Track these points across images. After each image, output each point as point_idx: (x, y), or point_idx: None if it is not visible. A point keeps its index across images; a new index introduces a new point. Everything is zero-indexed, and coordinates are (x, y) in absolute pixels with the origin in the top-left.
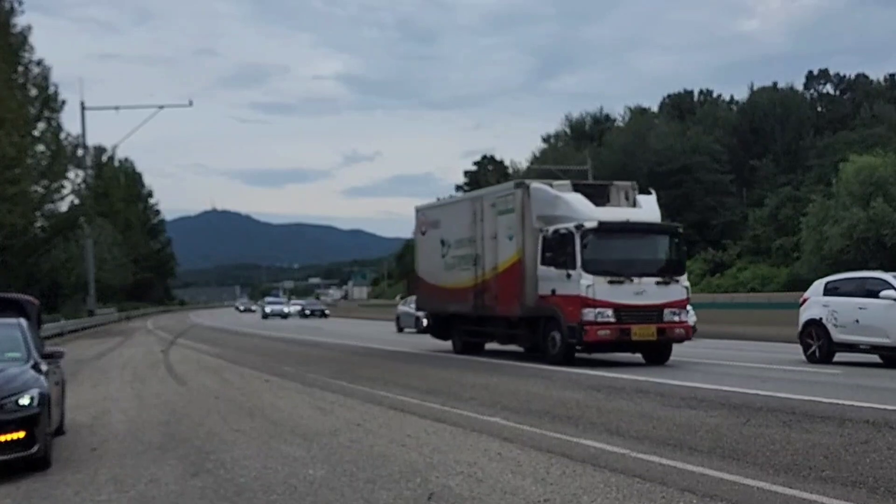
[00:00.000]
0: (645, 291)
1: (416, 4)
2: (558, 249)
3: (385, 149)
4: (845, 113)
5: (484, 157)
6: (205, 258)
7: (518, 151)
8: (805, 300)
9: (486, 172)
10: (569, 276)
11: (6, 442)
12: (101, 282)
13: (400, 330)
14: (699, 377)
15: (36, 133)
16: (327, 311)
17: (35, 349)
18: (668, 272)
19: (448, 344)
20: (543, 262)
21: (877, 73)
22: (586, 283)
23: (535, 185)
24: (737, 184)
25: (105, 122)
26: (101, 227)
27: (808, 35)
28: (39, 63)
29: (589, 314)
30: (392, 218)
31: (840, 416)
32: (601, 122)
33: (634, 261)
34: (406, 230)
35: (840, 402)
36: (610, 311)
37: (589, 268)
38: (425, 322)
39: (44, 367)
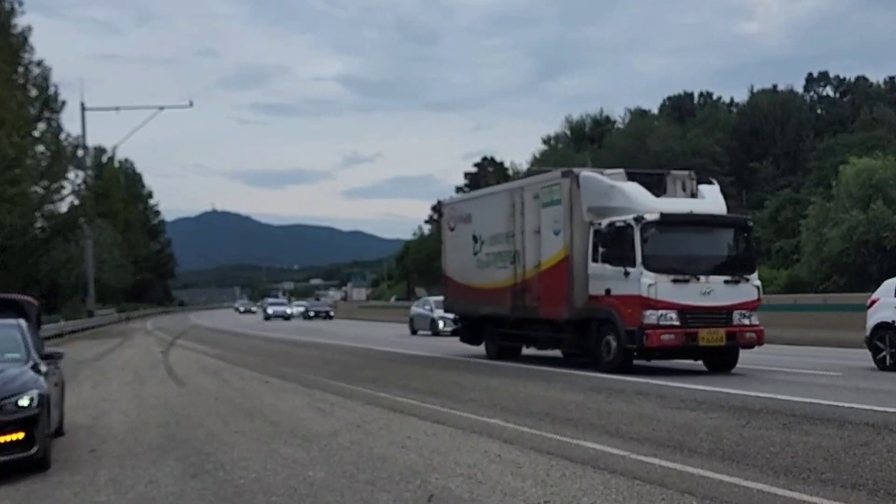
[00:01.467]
0: (713, 291)
1: (416, 6)
2: (614, 245)
3: (385, 150)
4: (845, 115)
5: (484, 159)
6: (205, 259)
7: (518, 153)
8: (873, 302)
9: (487, 174)
10: (627, 273)
11: (5, 443)
12: (101, 282)
13: (414, 332)
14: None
15: (36, 134)
16: (332, 313)
17: (34, 350)
18: (737, 270)
19: (477, 349)
20: (596, 259)
21: (877, 76)
22: (648, 282)
23: (586, 173)
24: (737, 186)
25: (105, 123)
26: (100, 228)
27: (808, 37)
28: (40, 63)
29: (651, 316)
30: (392, 219)
31: (840, 418)
32: (601, 124)
33: (700, 257)
34: (406, 231)
35: (840, 404)
36: (674, 314)
37: (650, 265)
38: (441, 325)
39: (43, 368)
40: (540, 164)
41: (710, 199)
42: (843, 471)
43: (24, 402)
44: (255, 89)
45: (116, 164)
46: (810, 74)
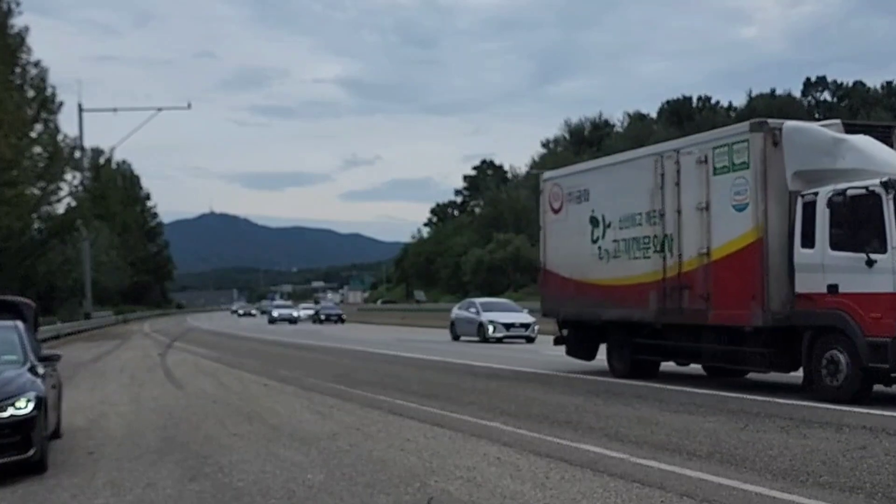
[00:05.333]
0: None
1: (416, 9)
2: (848, 222)
3: (384, 153)
4: None
5: (483, 162)
6: (203, 261)
7: (517, 156)
8: None
9: (486, 177)
10: (870, 263)
11: (2, 445)
12: (98, 284)
13: (456, 338)
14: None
15: (33, 135)
16: (344, 316)
17: (32, 352)
18: None
19: (587, 364)
20: (808, 244)
21: (874, 81)
22: None
23: (793, 124)
24: None
25: (103, 125)
26: (98, 230)
27: (806, 42)
28: (37, 64)
29: None
30: (391, 222)
31: (838, 421)
32: (600, 128)
33: None
34: (405, 234)
35: (837, 407)
36: None
37: None
38: (491, 329)
39: (40, 371)
40: (539, 167)
41: None
42: (841, 474)
43: (21, 404)
44: (254, 91)
45: (114, 166)
46: (808, 79)
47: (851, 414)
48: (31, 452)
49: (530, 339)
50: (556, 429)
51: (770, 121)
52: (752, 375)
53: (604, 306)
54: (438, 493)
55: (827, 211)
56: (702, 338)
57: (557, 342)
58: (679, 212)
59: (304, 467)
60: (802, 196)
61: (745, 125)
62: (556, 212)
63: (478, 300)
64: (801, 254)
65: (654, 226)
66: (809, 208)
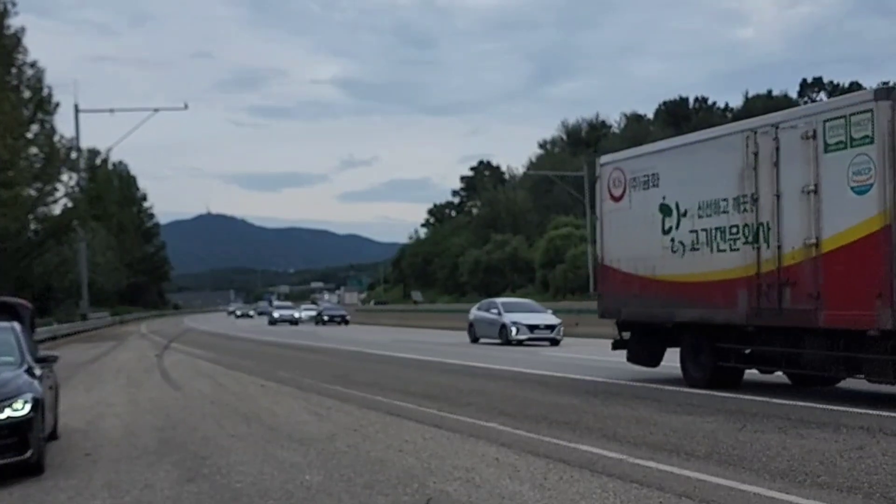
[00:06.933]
0: None
1: (414, 9)
2: None
3: (382, 153)
4: None
5: (480, 163)
6: (199, 262)
7: (515, 157)
8: None
9: (483, 178)
10: None
11: None
12: (95, 285)
13: (475, 340)
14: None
15: (29, 136)
16: (348, 317)
17: (29, 353)
18: None
19: (651, 371)
20: None
21: (870, 82)
22: None
23: None
24: None
25: (99, 125)
26: (94, 231)
27: (803, 43)
28: (33, 65)
29: None
30: (388, 223)
31: (835, 422)
32: (597, 129)
33: None
34: (402, 235)
35: (835, 408)
36: None
37: None
38: (514, 331)
39: (37, 372)
40: (536, 167)
41: None
42: (839, 474)
43: (18, 405)
44: (252, 92)
45: (111, 167)
46: (804, 80)
47: (849, 414)
48: (29, 454)
49: (555, 342)
50: (554, 429)
51: None
52: (751, 374)
53: (678, 306)
54: (437, 493)
55: None
56: (805, 342)
57: (616, 346)
58: (778, 196)
59: (302, 468)
60: None
61: (868, 92)
62: (616, 199)
63: (499, 300)
64: None
65: (744, 213)
66: None
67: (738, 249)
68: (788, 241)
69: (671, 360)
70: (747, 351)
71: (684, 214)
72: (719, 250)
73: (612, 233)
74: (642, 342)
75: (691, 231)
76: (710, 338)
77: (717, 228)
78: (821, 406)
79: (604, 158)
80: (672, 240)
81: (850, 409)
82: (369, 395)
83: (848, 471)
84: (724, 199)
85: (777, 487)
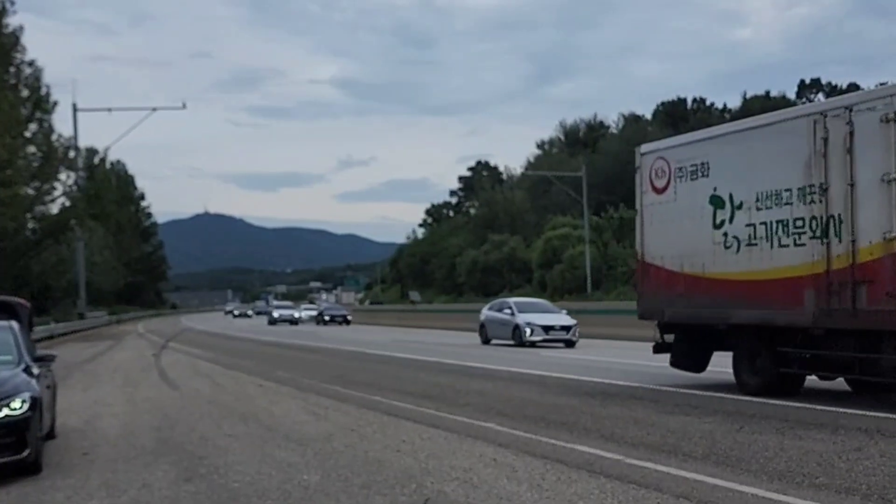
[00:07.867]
0: None
1: (413, 9)
2: None
3: (380, 153)
4: None
5: (478, 163)
6: (197, 262)
7: (513, 157)
8: None
9: (481, 178)
10: None
11: None
12: (92, 285)
13: (486, 341)
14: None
15: (27, 134)
16: (350, 317)
17: (26, 352)
18: None
19: (696, 376)
20: None
21: (868, 83)
22: None
23: None
24: None
25: (97, 125)
26: (92, 230)
27: (801, 44)
28: (31, 64)
29: None
30: (386, 223)
31: (833, 423)
32: (595, 129)
33: None
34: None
35: (833, 409)
36: None
37: None
38: (528, 332)
39: (35, 371)
40: (534, 168)
41: None
42: (837, 475)
43: (15, 404)
44: (250, 92)
45: (108, 166)
46: (802, 81)
47: (847, 416)
48: (26, 453)
49: (570, 343)
50: (552, 430)
51: None
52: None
53: (732, 306)
54: (434, 494)
55: None
56: (883, 347)
57: (658, 350)
58: (852, 186)
59: (299, 468)
60: None
61: None
62: (659, 191)
63: (512, 300)
64: None
65: (811, 204)
66: None
67: (803, 244)
68: (865, 235)
69: (720, 364)
70: (810, 356)
71: (739, 207)
72: (781, 245)
73: (655, 227)
74: (687, 346)
75: (748, 224)
76: (770, 341)
77: (778, 221)
78: (819, 407)
79: (645, 147)
80: (725, 234)
81: (848, 411)
82: (367, 395)
83: (846, 472)
84: (788, 190)
85: (775, 488)
